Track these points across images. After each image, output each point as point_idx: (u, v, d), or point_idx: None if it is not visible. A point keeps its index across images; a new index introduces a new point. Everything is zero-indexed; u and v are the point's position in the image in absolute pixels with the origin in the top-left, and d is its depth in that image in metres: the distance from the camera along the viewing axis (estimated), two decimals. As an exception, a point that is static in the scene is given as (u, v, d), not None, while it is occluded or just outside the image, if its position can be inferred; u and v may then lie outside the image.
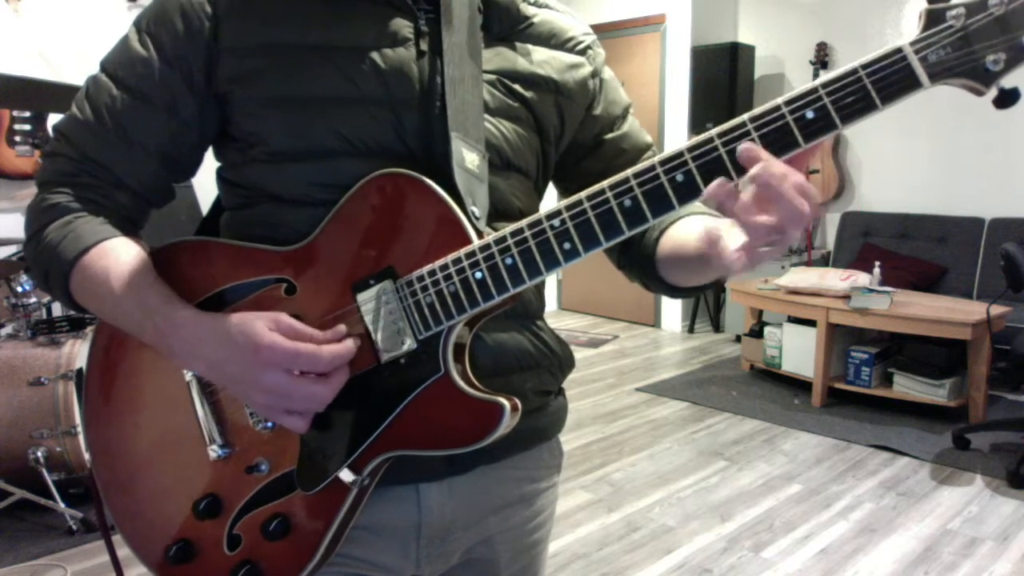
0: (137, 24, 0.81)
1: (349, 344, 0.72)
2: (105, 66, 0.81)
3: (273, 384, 0.70)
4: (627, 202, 0.68)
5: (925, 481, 3.15)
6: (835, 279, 4.08)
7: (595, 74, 0.93)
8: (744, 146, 0.64)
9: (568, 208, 0.69)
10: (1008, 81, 0.62)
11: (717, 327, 5.83)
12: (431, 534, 0.86)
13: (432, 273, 0.73)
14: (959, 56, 0.61)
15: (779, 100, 0.64)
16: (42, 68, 3.98)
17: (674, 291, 0.92)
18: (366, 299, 0.74)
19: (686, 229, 0.86)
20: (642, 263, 0.93)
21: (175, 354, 0.75)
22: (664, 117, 5.77)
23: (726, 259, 0.66)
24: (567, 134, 0.92)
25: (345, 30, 0.78)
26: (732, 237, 0.66)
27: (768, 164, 0.63)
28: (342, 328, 0.74)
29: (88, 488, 2.89)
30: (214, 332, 0.72)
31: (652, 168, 0.67)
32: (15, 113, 3.70)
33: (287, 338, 0.70)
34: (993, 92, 0.62)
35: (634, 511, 2.92)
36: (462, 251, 0.72)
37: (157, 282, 0.77)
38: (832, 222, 5.46)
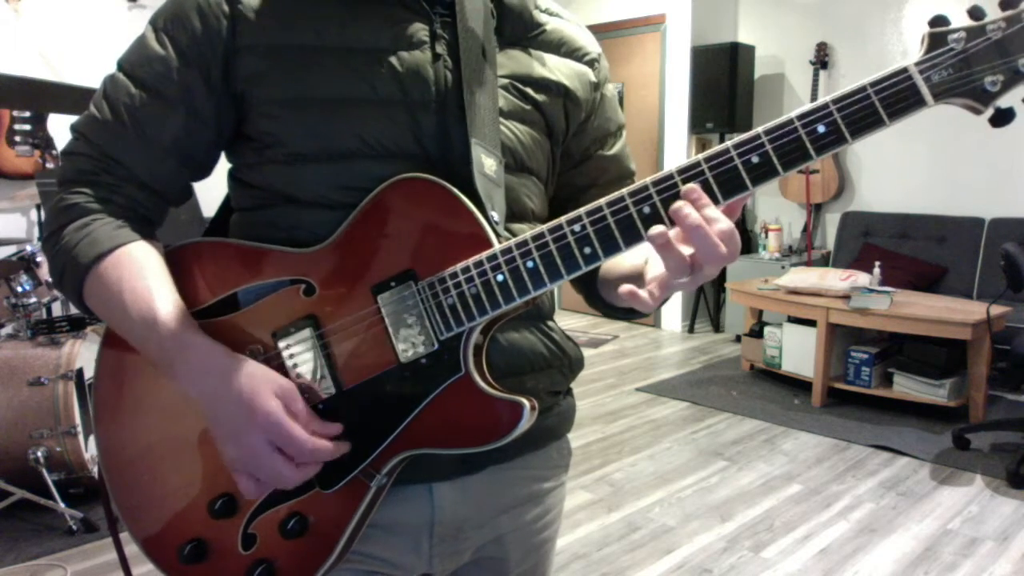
0: (153, 23, 0.81)
1: (332, 447, 0.73)
2: (122, 65, 0.82)
3: (253, 446, 0.71)
4: (646, 209, 0.70)
5: (925, 481, 3.16)
6: (835, 279, 4.08)
7: (598, 87, 0.95)
8: (689, 186, 0.68)
9: (589, 214, 0.71)
10: (1004, 101, 0.66)
11: (717, 327, 5.84)
12: (443, 532, 0.86)
13: (454, 275, 0.74)
14: (960, 77, 0.65)
15: (792, 114, 0.67)
16: (42, 68, 3.98)
17: (611, 310, 0.96)
18: (387, 301, 0.75)
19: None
20: (585, 279, 0.95)
21: (175, 374, 0.75)
22: (664, 117, 5.77)
23: (642, 299, 0.71)
24: (568, 139, 0.93)
25: (361, 32, 0.79)
26: (650, 269, 0.71)
27: (702, 206, 0.67)
28: (338, 427, 0.75)
29: (88, 488, 2.89)
30: (220, 370, 0.73)
31: (670, 176, 0.69)
32: (15, 113, 3.70)
33: (286, 412, 0.71)
34: (990, 112, 0.66)
35: (634, 511, 2.93)
36: (484, 254, 0.73)
37: (171, 299, 0.76)
38: (832, 222, 5.47)
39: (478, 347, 0.76)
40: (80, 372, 2.81)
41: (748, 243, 5.81)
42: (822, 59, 5.25)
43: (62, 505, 2.69)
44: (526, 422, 0.73)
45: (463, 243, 0.74)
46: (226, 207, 0.90)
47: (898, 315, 3.72)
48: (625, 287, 0.71)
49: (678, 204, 0.67)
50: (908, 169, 5.09)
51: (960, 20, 0.66)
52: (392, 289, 0.75)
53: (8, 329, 3.03)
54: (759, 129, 0.67)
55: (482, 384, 0.74)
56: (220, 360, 0.73)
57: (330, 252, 0.77)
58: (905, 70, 0.65)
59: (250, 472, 0.73)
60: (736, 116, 5.33)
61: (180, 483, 0.80)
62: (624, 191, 0.70)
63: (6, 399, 2.71)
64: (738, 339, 5.23)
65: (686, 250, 0.68)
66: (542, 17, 0.91)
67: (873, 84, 0.65)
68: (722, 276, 5.54)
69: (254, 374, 0.72)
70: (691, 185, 0.68)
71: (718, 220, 0.67)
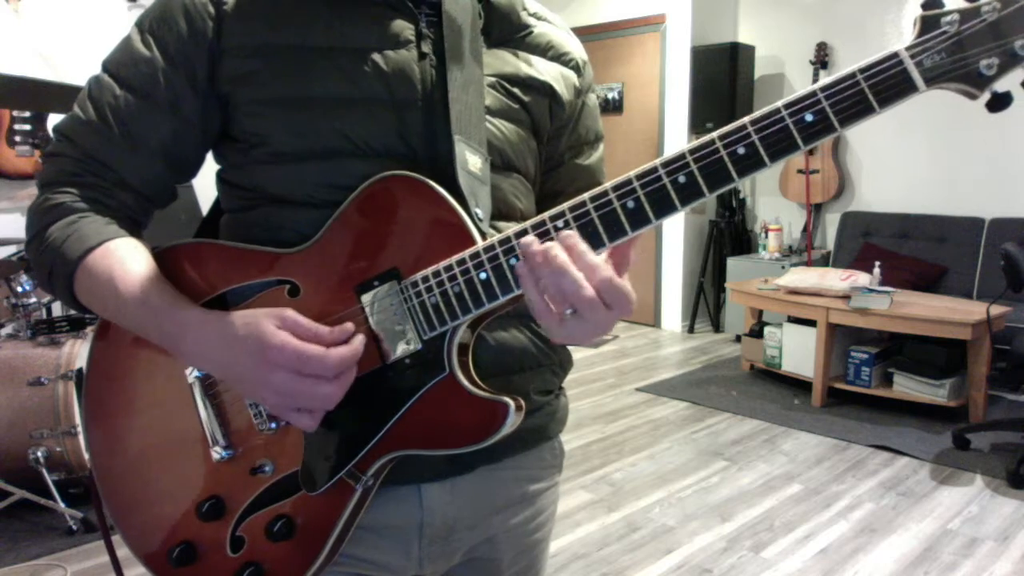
0: (139, 25, 0.81)
1: (356, 344, 0.72)
2: (107, 66, 0.81)
3: (282, 384, 0.69)
4: (630, 203, 0.68)
5: (925, 481, 3.16)
6: (835, 279, 4.08)
7: (580, 93, 0.94)
8: (565, 233, 0.68)
9: (572, 209, 0.69)
10: (1000, 85, 0.63)
11: (717, 327, 5.83)
12: (433, 534, 0.86)
13: (437, 274, 0.73)
14: (953, 61, 0.62)
15: (779, 104, 0.65)
16: (42, 68, 3.98)
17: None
18: (370, 300, 0.74)
19: None
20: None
21: (181, 354, 0.75)
22: (664, 117, 5.77)
23: (543, 321, 0.69)
24: (551, 140, 0.93)
25: (347, 31, 0.79)
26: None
27: (552, 247, 0.66)
28: (349, 326, 0.73)
29: (88, 488, 2.89)
30: (220, 332, 0.72)
31: (654, 170, 0.68)
32: (15, 113, 3.70)
33: (295, 337, 0.70)
34: (986, 96, 0.63)
35: (634, 511, 2.92)
36: (466, 252, 0.72)
37: (161, 282, 0.77)
38: (832, 222, 5.46)
39: (464, 346, 0.75)
40: (80, 372, 2.81)
41: (748, 243, 5.81)
42: (822, 59, 5.24)
43: (62, 505, 2.69)
44: (512, 422, 0.72)
45: (447, 241, 0.73)
46: (217, 207, 0.90)
47: (898, 315, 3.72)
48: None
49: (527, 240, 0.67)
50: (908, 169, 5.08)
51: (956, 3, 0.63)
52: (375, 288, 0.74)
53: (8, 329, 3.03)
54: (745, 119, 0.66)
55: (467, 384, 0.73)
56: (215, 324, 0.72)
57: (314, 252, 0.77)
58: (896, 55, 0.63)
59: (295, 408, 0.71)
60: (736, 116, 5.17)
61: (169, 485, 0.80)
62: (608, 185, 0.69)
63: (6, 399, 2.71)
64: (738, 339, 5.23)
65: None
66: (530, 20, 0.91)
67: (863, 70, 0.63)
68: (722, 276, 5.55)
69: (249, 320, 0.71)
70: (566, 232, 0.68)
71: (597, 268, 0.66)
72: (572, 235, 0.67)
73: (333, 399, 0.71)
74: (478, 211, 0.76)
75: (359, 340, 0.73)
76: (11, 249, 3.30)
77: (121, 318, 0.78)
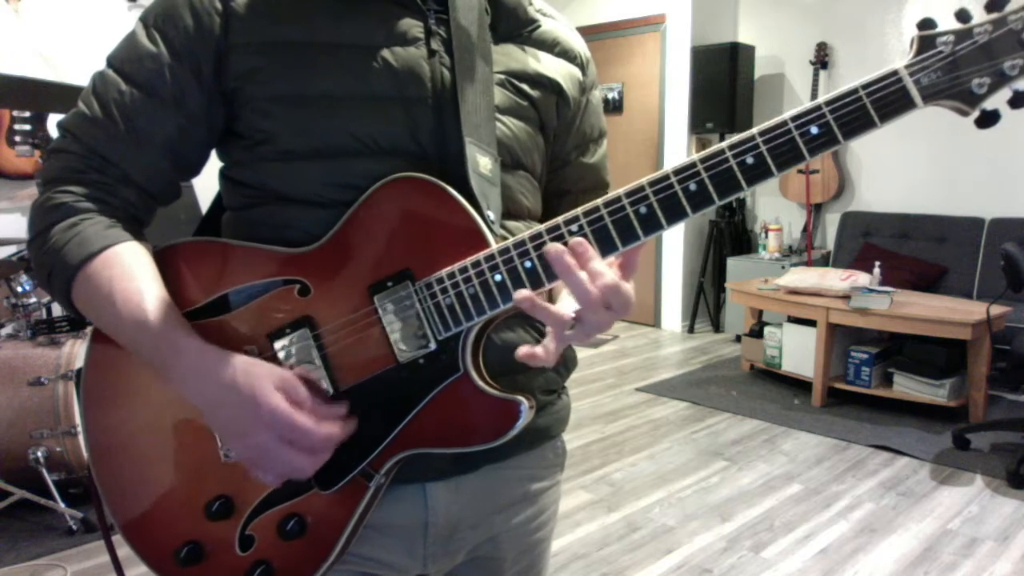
0: (144, 20, 0.80)
1: (347, 427, 0.73)
2: (112, 62, 0.80)
3: (262, 444, 0.70)
4: (643, 209, 0.70)
5: (925, 481, 3.16)
6: (835, 279, 4.08)
7: (585, 90, 0.95)
8: (575, 240, 0.70)
9: (586, 214, 0.71)
10: (990, 103, 0.67)
11: (717, 327, 5.83)
12: (437, 533, 0.86)
13: (452, 275, 0.73)
14: (948, 80, 0.66)
15: (786, 116, 0.68)
16: (42, 68, 3.98)
17: None
18: (384, 300, 0.75)
19: None
20: None
21: (170, 380, 0.74)
22: (664, 117, 5.77)
23: (540, 357, 0.71)
24: (556, 138, 0.93)
25: (355, 28, 0.79)
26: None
27: (566, 249, 0.69)
28: (343, 407, 0.74)
29: (88, 488, 2.89)
30: (217, 371, 0.71)
31: (666, 177, 0.70)
32: (15, 113, 3.70)
33: (290, 403, 0.70)
34: (976, 113, 0.67)
35: (634, 511, 2.93)
36: (482, 254, 0.73)
37: (163, 300, 0.75)
38: (832, 222, 5.46)
39: (475, 346, 0.76)
40: (80, 372, 2.81)
41: (748, 243, 5.82)
42: (822, 59, 5.24)
43: (62, 505, 2.69)
44: (524, 420, 0.73)
45: (460, 243, 0.74)
46: (218, 205, 0.89)
47: (898, 315, 3.72)
48: (522, 350, 0.71)
49: (555, 250, 0.69)
50: (908, 169, 5.09)
51: (954, 22, 0.66)
52: (389, 289, 0.75)
53: (8, 329, 3.03)
54: (754, 130, 0.68)
55: (480, 383, 0.74)
56: (214, 362, 0.72)
57: (325, 252, 0.77)
58: (895, 72, 0.66)
59: (264, 468, 0.72)
60: (736, 116, 5.32)
61: (175, 485, 0.79)
62: (620, 191, 0.70)
63: (6, 399, 2.71)
64: (738, 339, 5.23)
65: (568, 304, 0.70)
66: (536, 15, 0.91)
67: (865, 86, 0.66)
68: (722, 276, 5.55)
69: (251, 371, 0.71)
70: (577, 239, 0.70)
71: (602, 274, 0.68)
72: (581, 242, 0.70)
73: (304, 473, 0.72)
74: (489, 213, 0.77)
75: (349, 423, 0.74)
76: (11, 249, 3.30)
77: (115, 332, 0.76)
